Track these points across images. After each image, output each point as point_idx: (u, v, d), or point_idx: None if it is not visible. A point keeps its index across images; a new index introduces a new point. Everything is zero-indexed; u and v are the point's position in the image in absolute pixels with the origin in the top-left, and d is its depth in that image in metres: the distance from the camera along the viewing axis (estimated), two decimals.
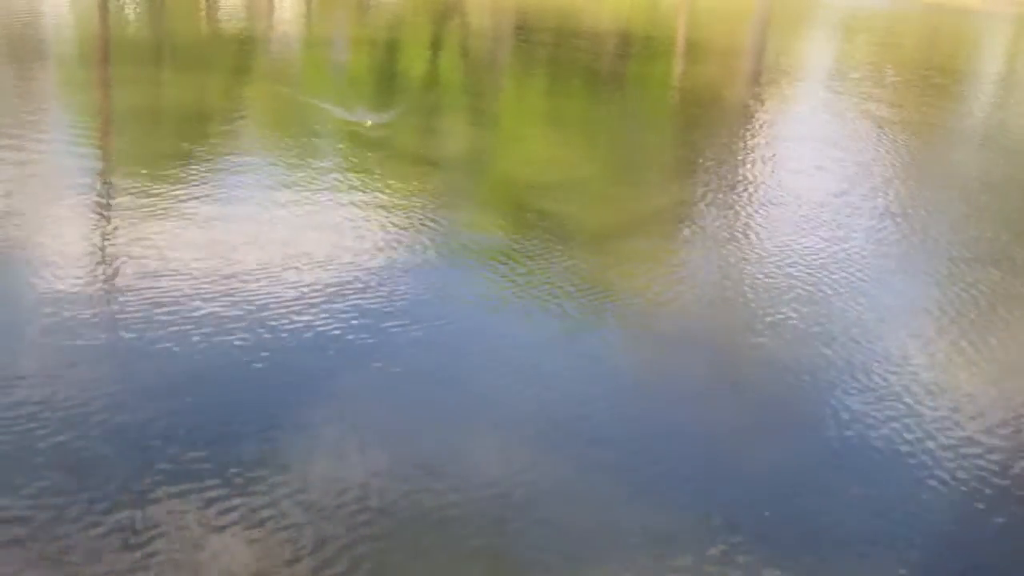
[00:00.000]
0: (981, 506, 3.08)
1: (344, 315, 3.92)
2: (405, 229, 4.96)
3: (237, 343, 3.60)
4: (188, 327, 3.68)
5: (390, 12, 13.46)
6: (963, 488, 3.17)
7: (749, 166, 6.92)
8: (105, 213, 4.79)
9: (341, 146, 6.39)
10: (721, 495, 2.99)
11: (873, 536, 2.88)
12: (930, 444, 3.40)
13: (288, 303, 3.98)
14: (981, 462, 3.33)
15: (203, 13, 11.65)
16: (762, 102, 9.46)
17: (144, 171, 5.47)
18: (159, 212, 4.87)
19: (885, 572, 2.73)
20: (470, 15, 13.94)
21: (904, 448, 3.36)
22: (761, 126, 8.34)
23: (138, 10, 11.43)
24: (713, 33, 14.86)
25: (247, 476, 2.84)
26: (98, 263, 4.19)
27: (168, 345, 3.53)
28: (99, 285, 3.97)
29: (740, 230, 5.47)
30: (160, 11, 11.46)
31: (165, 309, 3.81)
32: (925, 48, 15.47)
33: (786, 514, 2.94)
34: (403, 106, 7.70)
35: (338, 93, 8.04)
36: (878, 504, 3.03)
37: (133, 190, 5.15)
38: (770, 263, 5.00)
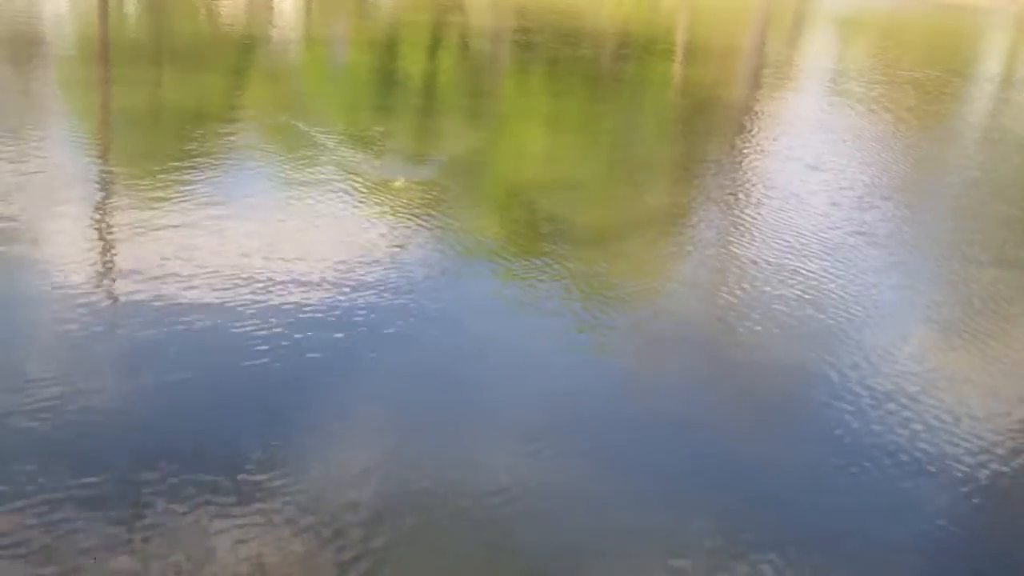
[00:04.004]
0: (980, 504, 3.08)
1: (344, 315, 3.92)
2: (409, 229, 4.96)
3: (239, 343, 3.59)
4: (188, 327, 3.68)
5: (390, 12, 13.46)
6: (962, 486, 3.17)
7: (750, 166, 6.92)
8: (104, 213, 4.78)
9: (339, 148, 6.39)
10: (719, 491, 2.99)
11: (871, 534, 2.88)
12: (929, 441, 3.40)
13: (290, 303, 3.97)
14: (982, 460, 3.32)
15: (203, 13, 11.64)
16: (762, 102, 9.45)
17: (143, 172, 5.47)
18: (158, 213, 4.87)
19: (883, 571, 2.73)
20: (470, 15, 13.93)
21: (902, 446, 3.36)
22: (762, 126, 8.33)
23: (138, 10, 11.43)
24: (713, 33, 14.86)
25: (249, 473, 2.84)
26: (97, 263, 4.19)
27: (169, 344, 3.53)
28: (99, 284, 3.97)
29: (741, 230, 5.47)
30: (160, 11, 11.46)
31: (166, 308, 3.81)
32: (929, 46, 15.46)
33: (784, 511, 2.94)
34: (419, 132, 7.69)
35: (347, 115, 8.03)
36: (876, 502, 3.03)
37: (132, 190, 5.14)
38: (771, 261, 5.00)
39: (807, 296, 4.58)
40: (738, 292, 4.57)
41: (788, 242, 5.32)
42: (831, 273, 4.92)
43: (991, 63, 14.33)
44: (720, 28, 15.64)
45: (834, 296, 4.62)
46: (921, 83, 11.44)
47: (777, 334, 4.15)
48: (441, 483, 2.90)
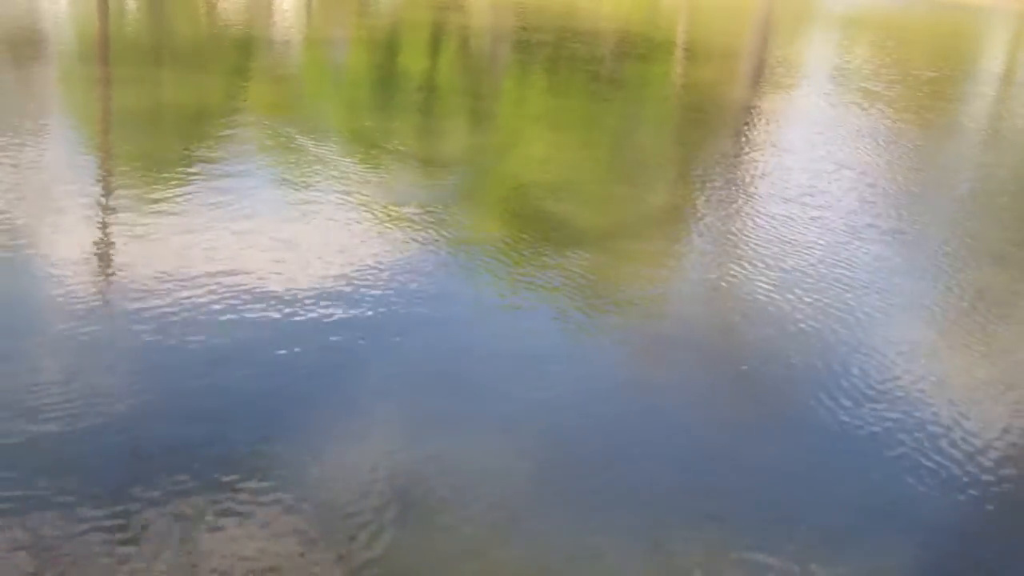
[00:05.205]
0: (978, 504, 3.06)
1: (344, 315, 3.91)
2: (410, 231, 4.94)
3: (238, 344, 3.58)
4: (186, 328, 3.66)
5: (390, 12, 13.44)
6: (960, 486, 3.15)
7: (750, 166, 6.90)
8: (103, 213, 4.77)
9: (339, 149, 6.38)
10: (717, 493, 2.97)
11: (870, 533, 2.86)
12: (928, 442, 3.39)
13: (290, 305, 3.96)
14: (981, 460, 3.31)
15: (203, 13, 11.63)
16: (763, 102, 9.43)
17: (142, 173, 5.46)
18: (157, 214, 4.85)
19: (882, 569, 2.71)
20: (471, 15, 13.92)
21: (901, 445, 3.34)
22: (762, 126, 8.31)
23: (138, 10, 11.42)
24: (713, 33, 14.84)
25: (249, 475, 2.83)
26: (95, 263, 4.17)
27: (167, 345, 3.52)
28: (97, 284, 3.96)
29: (742, 230, 5.45)
30: (160, 11, 11.44)
31: (165, 308, 3.80)
32: (934, 46, 15.43)
33: (783, 510, 2.92)
34: (419, 132, 7.67)
35: (346, 115, 8.02)
36: (876, 501, 3.02)
37: (133, 191, 5.13)
38: (771, 262, 4.98)
39: (806, 291, 4.57)
40: (738, 292, 4.55)
41: (825, 240, 5.30)
42: (830, 269, 4.90)
43: (999, 63, 14.31)
44: (720, 28, 15.62)
45: (834, 292, 4.61)
46: (933, 82, 11.42)
47: (776, 333, 4.13)
48: (438, 484, 2.89)
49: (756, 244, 5.22)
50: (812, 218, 5.77)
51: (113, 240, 4.44)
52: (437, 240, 4.83)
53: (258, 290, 4.06)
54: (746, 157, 7.12)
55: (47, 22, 9.95)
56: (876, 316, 4.42)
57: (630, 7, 17.36)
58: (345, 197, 5.33)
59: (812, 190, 6.39)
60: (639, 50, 12.32)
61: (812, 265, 4.98)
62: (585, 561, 2.64)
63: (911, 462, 3.27)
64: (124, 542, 2.52)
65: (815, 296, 4.58)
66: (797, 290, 4.63)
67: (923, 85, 11.29)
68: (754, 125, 8.30)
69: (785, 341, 4.07)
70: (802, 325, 4.24)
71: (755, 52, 13.22)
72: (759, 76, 11.06)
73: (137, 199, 5.00)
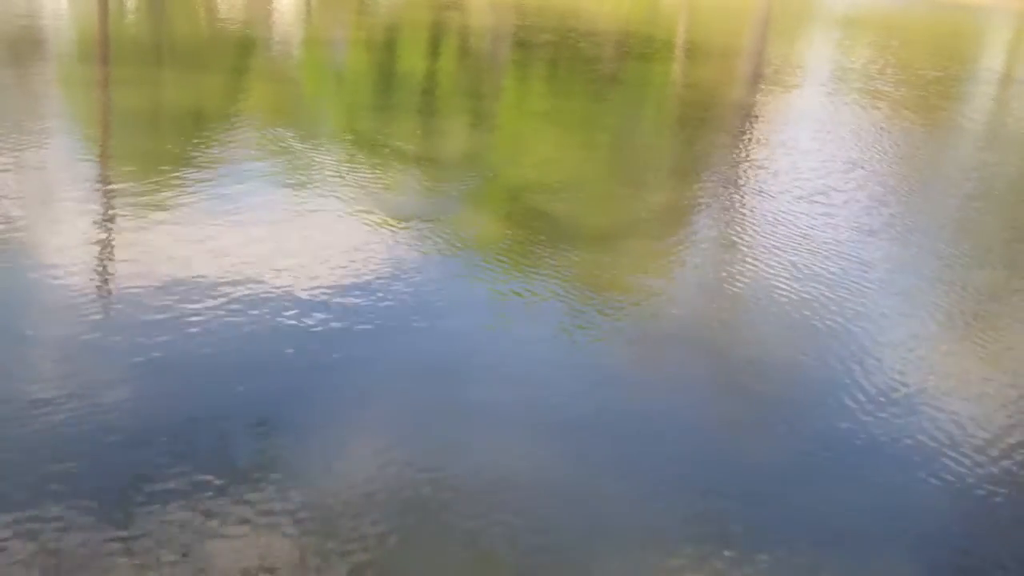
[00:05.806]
0: (981, 506, 3.03)
1: (345, 316, 3.86)
2: (408, 231, 4.90)
3: (238, 344, 3.54)
4: (186, 328, 3.62)
5: (389, 11, 13.40)
6: (964, 487, 3.11)
7: (750, 167, 6.87)
8: (102, 213, 4.72)
9: (338, 149, 6.34)
10: (717, 492, 2.93)
11: (872, 534, 2.82)
12: (933, 442, 3.35)
13: (290, 305, 3.92)
14: (985, 461, 3.27)
15: (203, 13, 11.58)
16: (763, 103, 9.40)
17: (143, 173, 5.41)
18: (159, 213, 4.81)
19: (883, 570, 2.68)
20: (470, 15, 13.88)
21: (902, 446, 3.30)
22: (762, 127, 8.28)
23: (138, 10, 11.37)
24: (713, 33, 14.81)
25: (247, 475, 2.78)
26: (94, 263, 4.13)
27: (168, 345, 3.47)
28: (96, 284, 3.91)
29: (742, 231, 5.41)
30: (160, 11, 11.39)
31: (164, 309, 3.75)
32: (937, 46, 15.43)
33: (783, 510, 2.88)
34: (419, 132, 7.63)
35: (346, 115, 7.99)
36: (877, 502, 2.98)
37: (132, 192, 5.08)
38: (771, 263, 4.94)
39: (807, 292, 4.53)
40: (738, 293, 4.51)
41: (837, 238, 5.27)
42: (830, 269, 4.86)
43: (1002, 62, 14.30)
44: (720, 28, 15.61)
45: (835, 293, 4.57)
46: (937, 81, 11.40)
47: (776, 334, 4.09)
48: (436, 484, 2.84)
49: (769, 243, 5.18)
50: (822, 215, 5.73)
51: (113, 240, 4.39)
52: (439, 240, 4.78)
53: (259, 291, 4.02)
54: (755, 156, 7.08)
55: (47, 22, 9.90)
56: (887, 315, 4.38)
57: (630, 7, 17.34)
58: (345, 197, 5.29)
59: (824, 188, 6.35)
60: (639, 50, 12.29)
61: (824, 264, 4.94)
62: (587, 561, 2.59)
63: (915, 463, 3.22)
64: (124, 540, 2.47)
65: (827, 295, 4.54)
66: (806, 292, 4.59)
67: (928, 84, 11.27)
68: (759, 124, 8.26)
69: (794, 339, 4.03)
70: (812, 324, 4.20)
71: (755, 52, 13.19)
72: (760, 76, 11.03)
73: (136, 200, 4.95)
